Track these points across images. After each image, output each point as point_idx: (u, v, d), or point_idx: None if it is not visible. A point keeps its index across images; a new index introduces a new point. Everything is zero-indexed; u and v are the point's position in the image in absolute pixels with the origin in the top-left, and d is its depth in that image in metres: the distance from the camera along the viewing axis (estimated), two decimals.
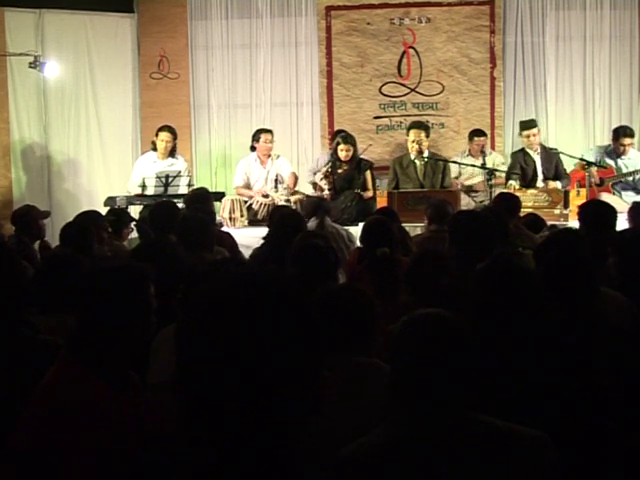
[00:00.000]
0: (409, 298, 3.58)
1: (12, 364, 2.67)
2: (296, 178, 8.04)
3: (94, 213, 5.83)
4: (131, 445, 2.21)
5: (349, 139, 7.64)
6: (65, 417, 2.11)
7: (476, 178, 8.13)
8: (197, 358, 1.19)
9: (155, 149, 7.98)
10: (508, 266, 2.65)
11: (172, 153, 8.01)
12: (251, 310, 1.19)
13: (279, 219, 5.36)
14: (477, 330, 2.40)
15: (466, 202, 7.71)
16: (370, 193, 7.60)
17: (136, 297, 2.29)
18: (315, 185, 7.73)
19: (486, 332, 2.44)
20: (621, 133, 8.00)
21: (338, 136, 7.89)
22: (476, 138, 8.35)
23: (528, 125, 8.06)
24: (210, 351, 1.18)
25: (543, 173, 7.94)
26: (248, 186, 8.04)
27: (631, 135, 8.04)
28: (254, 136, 8.09)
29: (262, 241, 5.48)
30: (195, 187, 7.42)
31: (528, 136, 8.00)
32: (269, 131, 8.10)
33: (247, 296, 1.20)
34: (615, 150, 8.05)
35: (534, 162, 7.96)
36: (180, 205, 6.24)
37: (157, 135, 7.98)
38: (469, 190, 8.07)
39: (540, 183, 7.82)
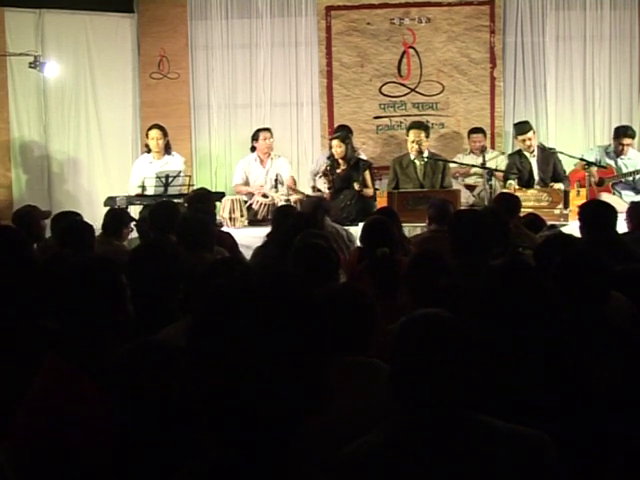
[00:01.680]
0: (409, 298, 3.57)
1: (35, 358, 2.67)
2: (294, 181, 8.06)
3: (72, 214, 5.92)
4: (124, 443, 2.20)
5: (341, 136, 7.69)
6: (55, 418, 2.11)
7: (474, 178, 8.16)
8: (209, 357, 1.19)
9: (149, 151, 7.97)
10: (524, 265, 2.63)
11: (167, 150, 7.99)
12: (262, 311, 1.19)
13: (283, 219, 5.37)
14: (480, 328, 2.40)
15: (466, 196, 7.72)
16: (370, 191, 7.60)
17: (108, 286, 2.31)
18: (314, 188, 7.73)
19: (491, 330, 2.43)
20: (621, 133, 8.02)
21: (334, 133, 7.97)
22: (473, 135, 8.37)
23: (522, 130, 8.01)
24: (222, 351, 1.18)
25: (539, 176, 7.92)
26: (247, 185, 8.06)
27: (631, 136, 8.05)
28: (253, 136, 8.13)
29: (263, 240, 5.48)
30: (196, 187, 7.43)
31: (524, 140, 7.98)
32: (267, 129, 8.15)
33: (259, 297, 1.21)
34: (615, 148, 8.05)
35: (530, 164, 7.96)
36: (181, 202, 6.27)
37: (147, 135, 7.98)
38: (469, 186, 8.09)
39: (536, 186, 7.79)
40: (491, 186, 7.13)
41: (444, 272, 3.56)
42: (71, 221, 5.43)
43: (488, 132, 8.78)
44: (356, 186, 7.39)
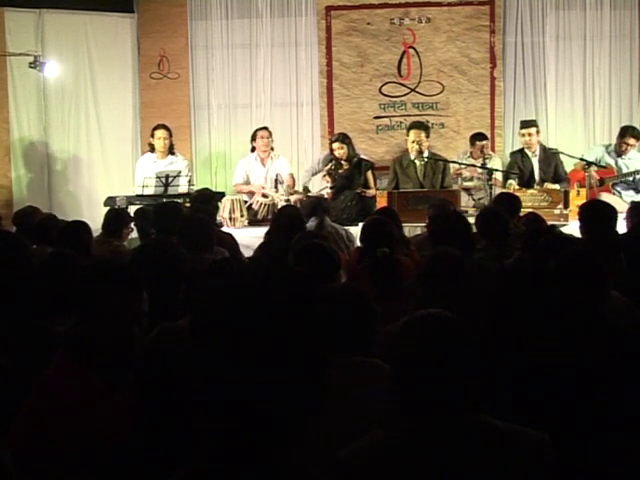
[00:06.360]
0: (418, 298, 3.46)
1: (27, 354, 2.67)
2: (294, 180, 8.08)
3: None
4: (129, 442, 2.21)
5: (341, 137, 7.70)
6: (61, 415, 2.11)
7: (474, 182, 8.16)
8: (208, 357, 1.19)
9: (153, 150, 8.01)
10: (539, 266, 2.63)
11: (171, 151, 8.05)
12: (262, 310, 1.19)
13: (280, 218, 5.37)
14: (487, 328, 2.39)
15: (465, 200, 7.72)
16: (372, 191, 7.61)
17: (126, 286, 2.31)
18: (305, 189, 7.75)
19: (498, 331, 2.42)
20: (629, 132, 8.01)
21: (334, 137, 7.97)
22: (478, 142, 8.34)
23: (526, 124, 8.05)
24: (221, 351, 1.18)
25: (540, 176, 7.92)
26: (247, 184, 8.08)
27: (637, 137, 8.04)
28: (252, 137, 8.15)
29: (261, 241, 5.48)
30: (196, 187, 7.45)
31: (524, 135, 7.99)
32: (265, 128, 8.18)
33: (258, 296, 1.21)
34: (618, 147, 8.03)
35: (531, 164, 7.96)
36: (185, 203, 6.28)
37: (152, 135, 8.02)
38: (467, 189, 8.08)
39: (536, 186, 7.77)
40: (491, 187, 7.13)
41: (462, 272, 3.43)
42: (69, 221, 5.43)
43: (488, 132, 8.76)
44: (372, 192, 7.47)
